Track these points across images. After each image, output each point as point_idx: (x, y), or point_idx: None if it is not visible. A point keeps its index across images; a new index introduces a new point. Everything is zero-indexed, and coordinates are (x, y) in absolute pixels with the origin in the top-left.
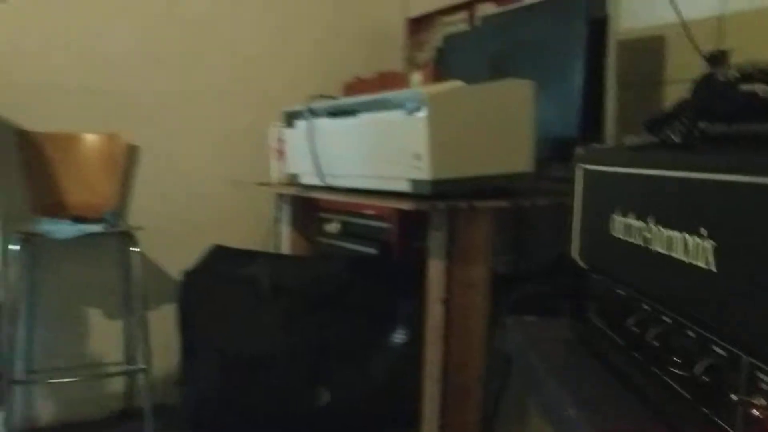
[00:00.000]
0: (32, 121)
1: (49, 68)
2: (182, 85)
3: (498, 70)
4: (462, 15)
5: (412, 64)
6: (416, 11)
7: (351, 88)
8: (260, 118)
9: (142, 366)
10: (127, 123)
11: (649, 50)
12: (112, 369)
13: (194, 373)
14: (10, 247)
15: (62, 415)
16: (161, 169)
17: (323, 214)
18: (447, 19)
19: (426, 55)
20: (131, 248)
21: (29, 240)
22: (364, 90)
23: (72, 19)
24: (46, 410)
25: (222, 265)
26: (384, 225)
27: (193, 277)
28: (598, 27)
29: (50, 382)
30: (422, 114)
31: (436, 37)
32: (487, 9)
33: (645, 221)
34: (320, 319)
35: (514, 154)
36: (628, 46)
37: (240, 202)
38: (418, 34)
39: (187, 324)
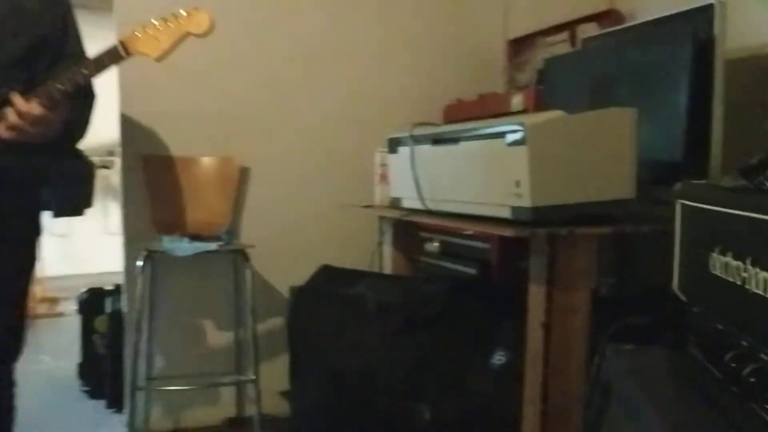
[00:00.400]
0: (155, 146)
1: (171, 98)
2: (292, 111)
3: (601, 92)
4: (563, 35)
5: (513, 85)
6: (517, 32)
7: (452, 111)
8: (364, 140)
9: (252, 377)
10: (240, 146)
11: (758, 70)
12: (224, 379)
13: (302, 386)
14: (137, 263)
15: (177, 421)
16: (271, 190)
17: (423, 234)
18: (548, 39)
19: (527, 76)
20: (243, 265)
21: (151, 256)
22: (465, 112)
23: (192, 52)
24: (162, 415)
25: (329, 285)
26: (484, 245)
27: (302, 295)
28: (705, 47)
29: (167, 389)
30: (523, 144)
31: (536, 57)
32: (589, 29)
33: (743, 261)
34: (422, 339)
35: (615, 181)
36: (736, 65)
37: (345, 223)
38: (519, 56)
39: (296, 339)
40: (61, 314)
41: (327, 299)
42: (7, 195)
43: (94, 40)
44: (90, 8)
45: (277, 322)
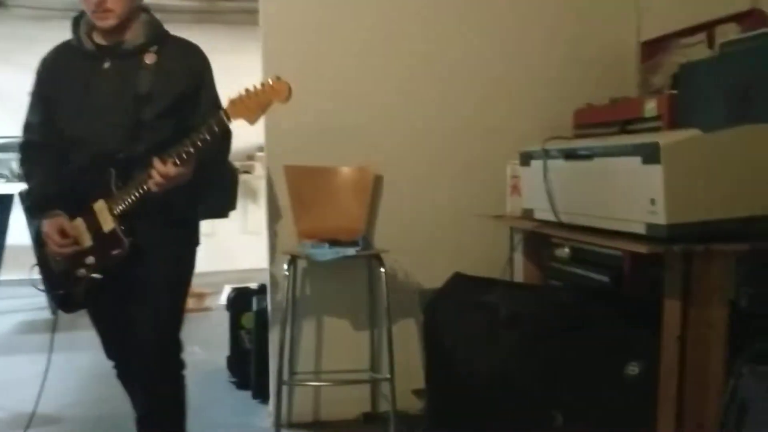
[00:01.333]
0: (297, 157)
1: (311, 112)
2: (423, 121)
3: (740, 103)
4: (700, 37)
5: (646, 90)
6: (650, 33)
7: (582, 116)
8: (494, 148)
9: (387, 376)
10: (374, 156)
11: None
12: (359, 376)
13: (436, 388)
14: (283, 267)
15: (318, 414)
16: (403, 197)
17: (554, 239)
18: (684, 41)
19: (660, 79)
20: (378, 268)
21: (294, 260)
22: (596, 117)
23: (329, 70)
24: (303, 408)
25: (463, 292)
26: (616, 252)
27: (437, 301)
28: None
29: (308, 384)
30: (657, 163)
31: (671, 60)
32: (728, 30)
33: None
34: (555, 347)
35: (754, 197)
36: None
37: (475, 231)
38: (653, 58)
39: (431, 343)
40: (208, 309)
41: (460, 307)
42: (165, 212)
43: (247, 53)
44: (235, 23)
45: (408, 323)
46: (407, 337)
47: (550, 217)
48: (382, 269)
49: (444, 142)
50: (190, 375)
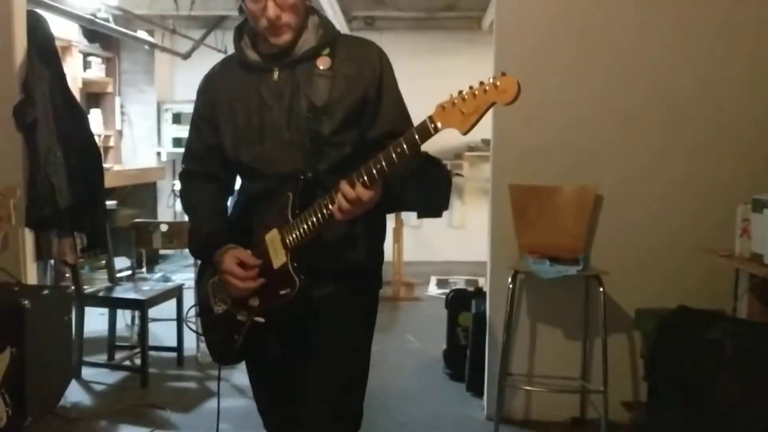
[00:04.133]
0: (520, 176)
1: (535, 133)
2: (647, 146)
3: None
4: None
5: None
6: None
7: None
8: (726, 187)
9: (601, 388)
10: (594, 176)
11: None
12: (570, 383)
13: (657, 409)
14: (507, 281)
15: (528, 413)
16: (623, 219)
17: None
18: None
19: None
20: (597, 288)
21: (516, 275)
22: None
23: (552, 93)
24: (515, 406)
25: (688, 325)
26: None
27: (662, 332)
28: None
29: (522, 388)
30: None
31: None
32: None
33: None
34: None
35: None
36: None
37: (696, 262)
38: None
39: (656, 370)
40: (417, 299)
41: (686, 339)
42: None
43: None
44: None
45: (620, 338)
46: (618, 351)
47: None
48: (601, 288)
49: (668, 169)
50: (407, 362)
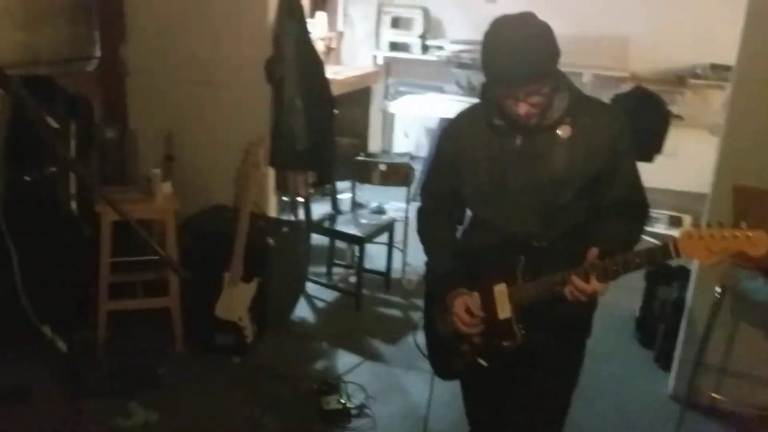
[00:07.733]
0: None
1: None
2: None
3: None
4: None
5: None
6: None
7: None
8: None
9: None
10: None
11: None
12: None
13: None
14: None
15: (713, 400)
16: None
17: None
18: None
19: None
20: None
21: (724, 292)
22: None
23: None
24: (705, 391)
25: None
26: None
27: None
28: None
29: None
30: None
31: None
32: None
33: None
34: None
35: None
36: None
37: None
38: None
39: None
40: None
41: None
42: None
43: None
44: None
45: None
46: None
47: None
48: None
49: None
50: (599, 315)
